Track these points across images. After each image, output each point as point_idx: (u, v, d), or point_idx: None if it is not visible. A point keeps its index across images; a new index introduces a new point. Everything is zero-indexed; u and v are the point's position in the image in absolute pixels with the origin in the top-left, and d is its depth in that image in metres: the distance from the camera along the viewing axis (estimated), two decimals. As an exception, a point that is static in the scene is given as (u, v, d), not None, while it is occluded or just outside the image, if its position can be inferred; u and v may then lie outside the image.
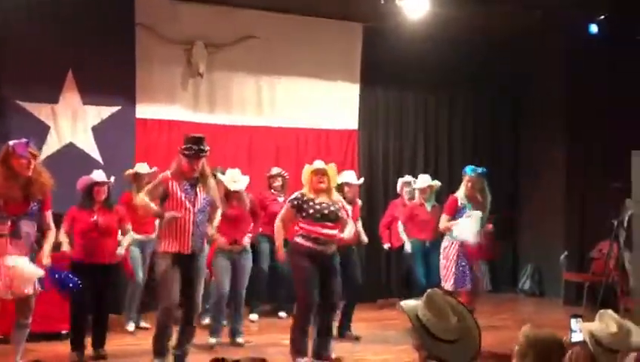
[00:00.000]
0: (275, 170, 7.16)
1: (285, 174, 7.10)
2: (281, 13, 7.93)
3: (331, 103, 8.25)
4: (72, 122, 7.07)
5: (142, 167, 6.33)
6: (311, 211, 4.94)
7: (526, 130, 9.31)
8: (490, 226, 5.96)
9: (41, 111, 6.94)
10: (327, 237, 4.97)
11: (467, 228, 5.65)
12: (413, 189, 7.18)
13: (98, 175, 5.40)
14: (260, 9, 7.81)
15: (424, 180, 7.08)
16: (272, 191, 7.06)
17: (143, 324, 6.36)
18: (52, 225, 4.76)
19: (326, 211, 4.95)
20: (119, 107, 7.25)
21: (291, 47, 7.98)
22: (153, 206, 4.72)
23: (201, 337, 5.81)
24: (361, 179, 6.53)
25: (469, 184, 5.81)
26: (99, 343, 5.38)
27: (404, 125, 8.88)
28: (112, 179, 5.47)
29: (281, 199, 6.80)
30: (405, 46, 8.18)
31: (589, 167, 8.40)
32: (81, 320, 5.31)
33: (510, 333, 5.39)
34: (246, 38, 7.80)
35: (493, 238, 6.47)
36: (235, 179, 5.77)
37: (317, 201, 4.98)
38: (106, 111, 7.21)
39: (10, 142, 4.42)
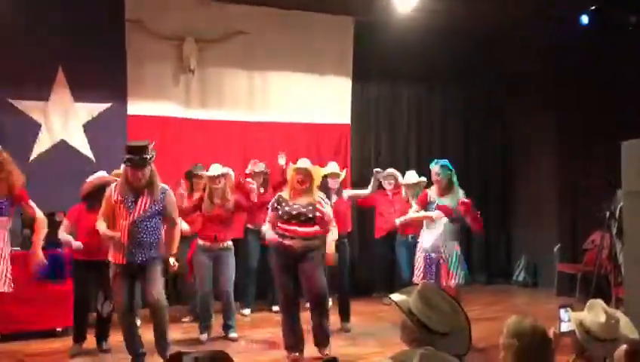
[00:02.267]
0: (257, 168, 7.01)
1: (267, 170, 7.07)
2: (272, 8, 7.89)
3: (323, 98, 8.22)
4: (64, 120, 7.03)
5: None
6: (280, 213, 5.03)
7: (518, 122, 9.31)
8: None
9: (32, 109, 6.90)
10: (293, 233, 4.97)
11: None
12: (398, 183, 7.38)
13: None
14: (251, 4, 7.78)
15: (411, 177, 7.20)
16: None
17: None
18: (39, 212, 4.91)
19: (294, 212, 4.99)
20: (110, 104, 7.22)
21: (283, 42, 7.96)
22: (113, 234, 4.67)
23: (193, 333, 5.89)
24: (344, 171, 6.50)
25: (433, 177, 5.74)
26: (103, 337, 5.48)
27: (397, 119, 8.87)
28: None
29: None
30: (397, 40, 8.18)
31: (580, 159, 8.42)
32: (83, 316, 5.45)
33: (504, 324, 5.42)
34: (237, 33, 7.77)
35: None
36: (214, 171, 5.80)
37: (291, 203, 5.03)
38: (97, 109, 7.18)
39: None
